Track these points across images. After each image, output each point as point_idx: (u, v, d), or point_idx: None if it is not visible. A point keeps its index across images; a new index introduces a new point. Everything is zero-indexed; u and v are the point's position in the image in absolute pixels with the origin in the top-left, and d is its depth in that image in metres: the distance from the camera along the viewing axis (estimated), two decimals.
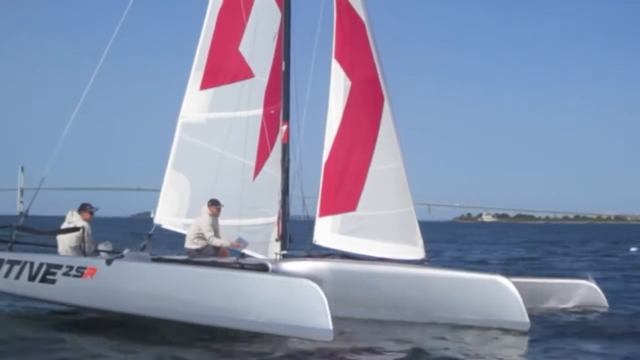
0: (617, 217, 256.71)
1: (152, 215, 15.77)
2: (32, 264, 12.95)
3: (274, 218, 14.55)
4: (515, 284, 12.23)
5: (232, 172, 14.99)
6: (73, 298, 12.75)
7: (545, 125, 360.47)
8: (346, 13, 14.45)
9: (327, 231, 14.22)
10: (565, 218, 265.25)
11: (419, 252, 13.85)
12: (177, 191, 15.24)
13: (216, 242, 14.21)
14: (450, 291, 12.55)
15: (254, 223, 14.73)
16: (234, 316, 11.15)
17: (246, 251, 14.45)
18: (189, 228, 14.60)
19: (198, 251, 14.20)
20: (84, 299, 12.57)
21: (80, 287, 12.47)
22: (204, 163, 15.16)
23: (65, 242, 13.72)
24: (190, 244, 14.32)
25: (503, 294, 12.09)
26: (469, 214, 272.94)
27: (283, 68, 14.80)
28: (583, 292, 14.68)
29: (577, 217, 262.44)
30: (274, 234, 14.47)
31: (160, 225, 15.19)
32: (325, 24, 14.86)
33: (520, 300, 11.96)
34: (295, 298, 10.77)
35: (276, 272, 12.91)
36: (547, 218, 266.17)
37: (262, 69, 15.08)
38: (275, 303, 10.90)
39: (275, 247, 14.36)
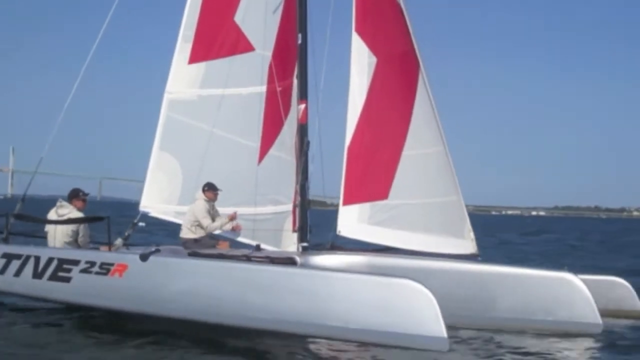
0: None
1: None
2: (37, 258, 11.00)
3: (286, 206, 13.02)
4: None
5: (231, 155, 13.36)
6: (95, 299, 10.82)
7: None
8: None
9: (353, 221, 12.67)
10: None
11: (468, 246, 12.38)
12: (166, 175, 13.42)
13: (214, 226, 12.65)
14: (511, 290, 11.22)
15: (262, 212, 13.14)
16: (313, 321, 9.66)
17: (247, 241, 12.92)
18: (183, 216, 12.93)
19: (196, 241, 12.57)
20: (111, 300, 10.69)
21: (105, 287, 10.63)
22: (196, 144, 13.40)
23: (57, 235, 11.70)
24: (187, 233, 12.70)
25: (572, 293, 10.95)
26: None
27: (299, 41, 13.23)
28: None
29: None
30: (288, 223, 12.96)
31: (148, 213, 13.27)
32: None
33: (592, 299, 10.87)
34: (399, 302, 9.34)
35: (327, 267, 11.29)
36: None
37: (263, 42, 13.47)
38: (372, 308, 9.42)
39: (290, 239, 12.88)
